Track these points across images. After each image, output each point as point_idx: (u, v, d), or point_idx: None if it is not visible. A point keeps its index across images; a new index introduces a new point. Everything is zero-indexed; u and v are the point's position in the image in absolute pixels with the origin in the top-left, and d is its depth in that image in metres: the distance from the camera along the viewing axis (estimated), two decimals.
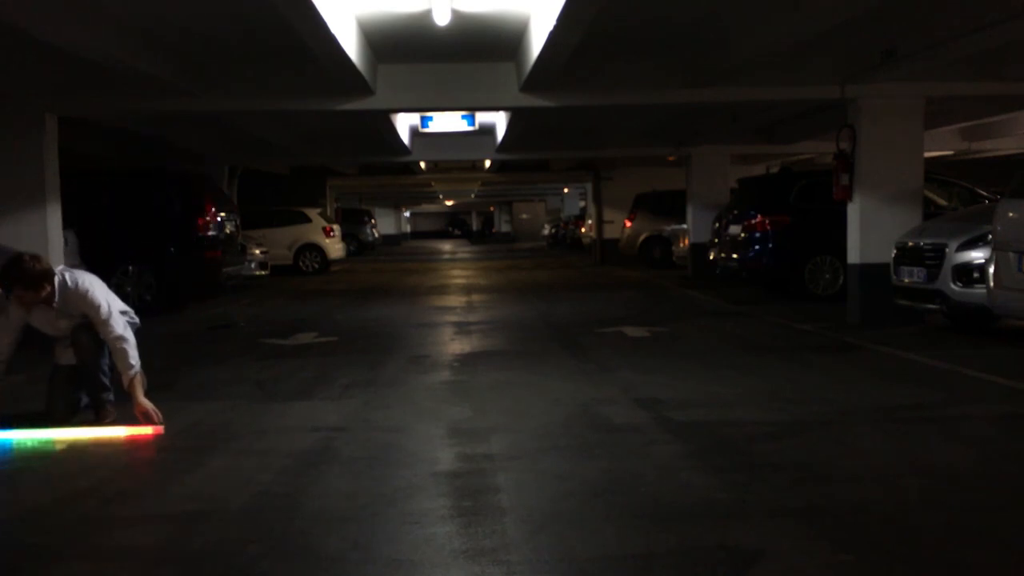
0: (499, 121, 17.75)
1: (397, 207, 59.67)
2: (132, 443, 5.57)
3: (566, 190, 42.20)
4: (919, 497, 4.31)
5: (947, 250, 9.10)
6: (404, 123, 17.94)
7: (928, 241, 9.45)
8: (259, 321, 12.43)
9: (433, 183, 34.56)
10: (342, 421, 6.10)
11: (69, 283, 5.92)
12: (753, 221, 13.69)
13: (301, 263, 23.11)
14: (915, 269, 9.51)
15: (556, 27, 7.78)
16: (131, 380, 5.83)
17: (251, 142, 17.53)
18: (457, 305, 14.21)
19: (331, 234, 23.66)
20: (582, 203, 38.82)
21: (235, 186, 20.96)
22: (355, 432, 5.81)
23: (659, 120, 16.66)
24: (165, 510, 4.33)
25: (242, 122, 15.21)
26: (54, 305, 5.93)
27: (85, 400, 6.23)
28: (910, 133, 10.78)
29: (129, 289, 13.19)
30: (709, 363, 8.11)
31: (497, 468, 4.87)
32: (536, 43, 8.93)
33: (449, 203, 61.79)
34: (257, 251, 18.56)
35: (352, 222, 33.08)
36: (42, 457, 5.37)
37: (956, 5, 8.29)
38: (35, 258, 5.87)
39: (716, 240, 15.30)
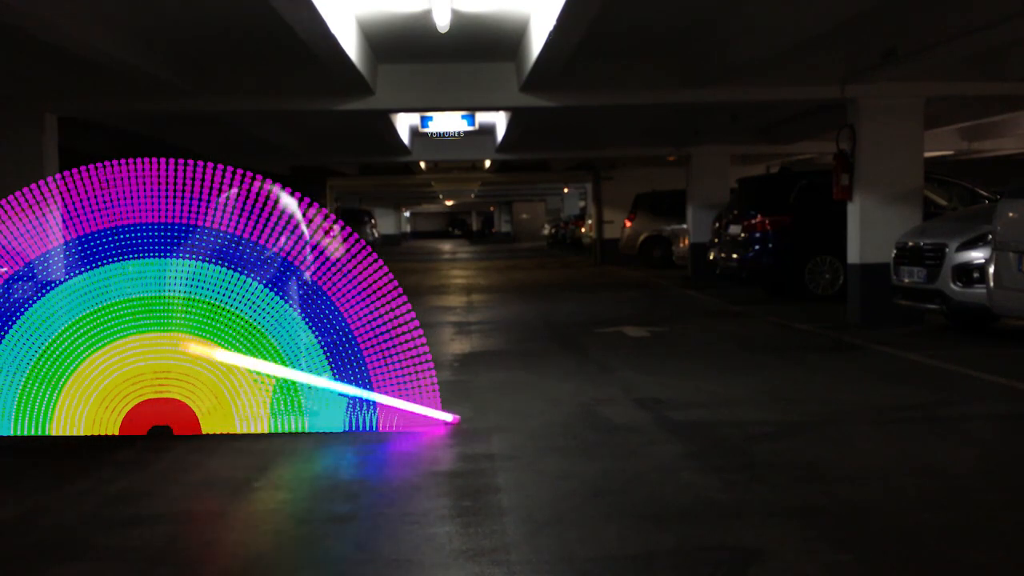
0: (499, 121, 17.74)
1: (397, 207, 59.66)
2: (132, 443, 5.56)
3: (566, 190, 42.16)
4: (919, 497, 4.31)
5: (947, 250, 9.09)
6: (404, 123, 17.92)
7: (928, 241, 9.44)
8: None
9: (433, 183, 34.53)
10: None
11: None
12: (753, 221, 13.69)
13: None
14: (915, 269, 9.50)
15: (556, 27, 7.77)
16: None
17: (251, 142, 17.52)
18: (457, 305, 14.21)
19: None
20: (582, 203, 38.77)
21: None
22: (355, 431, 5.80)
23: (659, 120, 16.64)
24: (165, 510, 4.34)
25: (242, 122, 15.19)
26: None
27: None
28: (910, 133, 10.76)
29: None
30: (709, 363, 8.10)
31: (497, 468, 4.87)
32: (536, 43, 8.93)
33: (449, 203, 61.76)
34: None
35: (352, 222, 32.98)
36: (43, 456, 5.37)
37: (956, 5, 8.29)
38: None
39: (716, 240, 15.30)
